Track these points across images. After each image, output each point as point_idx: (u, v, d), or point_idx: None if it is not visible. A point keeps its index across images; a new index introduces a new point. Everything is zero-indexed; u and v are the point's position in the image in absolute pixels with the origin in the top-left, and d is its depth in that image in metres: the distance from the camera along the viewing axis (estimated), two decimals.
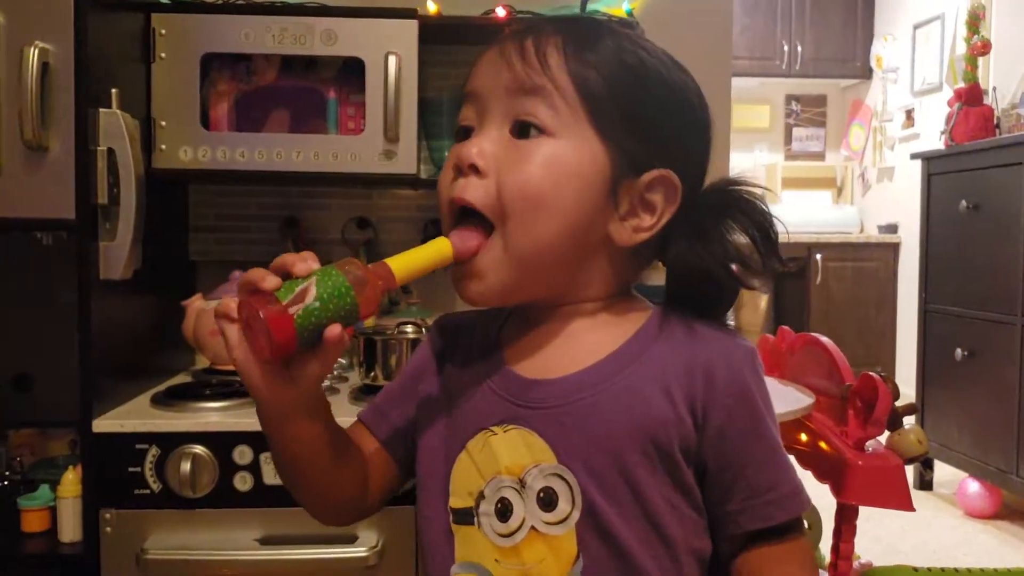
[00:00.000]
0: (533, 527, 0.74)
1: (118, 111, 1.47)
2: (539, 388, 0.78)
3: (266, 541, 1.49)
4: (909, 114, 5.30)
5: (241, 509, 1.48)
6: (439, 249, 0.74)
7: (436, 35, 1.79)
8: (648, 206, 0.77)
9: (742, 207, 0.78)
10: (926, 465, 1.62)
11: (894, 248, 5.38)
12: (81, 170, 1.43)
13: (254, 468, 1.48)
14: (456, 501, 0.78)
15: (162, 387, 1.70)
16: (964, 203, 3.37)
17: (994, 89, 3.68)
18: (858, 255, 5.41)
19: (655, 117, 0.77)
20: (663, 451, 0.73)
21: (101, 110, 1.46)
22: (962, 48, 3.97)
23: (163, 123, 1.68)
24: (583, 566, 0.73)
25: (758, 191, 0.79)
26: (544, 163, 0.74)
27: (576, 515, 0.73)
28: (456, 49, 1.97)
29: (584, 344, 0.79)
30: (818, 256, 5.35)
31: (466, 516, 0.77)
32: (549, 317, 0.80)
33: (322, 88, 1.76)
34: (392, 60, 1.67)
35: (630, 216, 0.77)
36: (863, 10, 5.77)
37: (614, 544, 0.73)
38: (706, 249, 0.77)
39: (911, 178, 4.67)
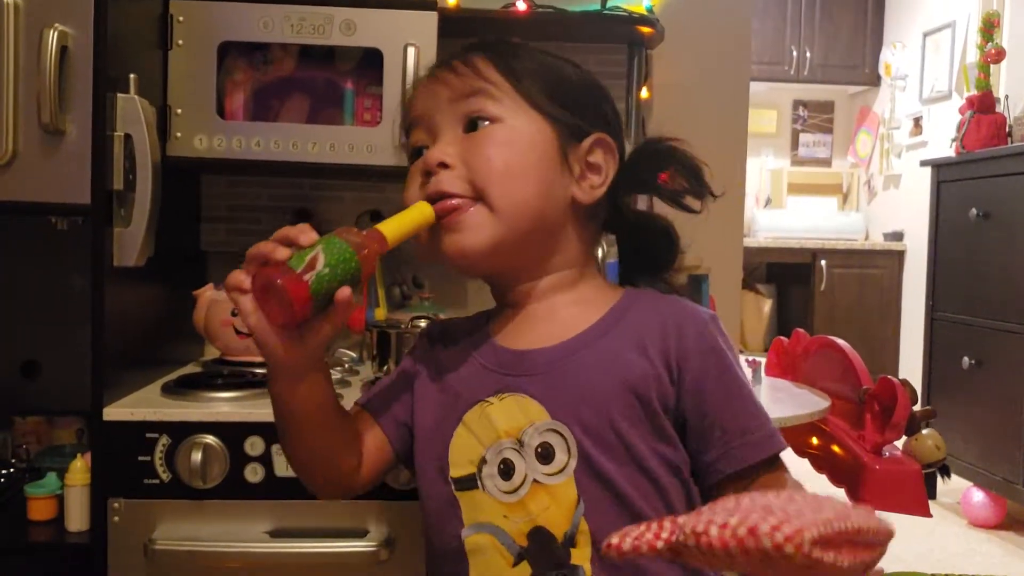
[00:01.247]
0: (535, 480, 0.82)
1: (136, 97, 1.46)
2: (529, 356, 0.87)
3: (276, 534, 1.47)
4: (917, 122, 5.29)
5: (251, 501, 1.46)
6: (421, 211, 0.82)
7: (455, 28, 1.77)
8: (594, 167, 0.90)
9: (669, 154, 0.91)
10: (943, 472, 1.61)
11: (899, 256, 5.37)
12: (97, 155, 1.41)
13: (265, 459, 1.46)
14: (456, 471, 0.86)
15: (172, 376, 1.68)
16: (974, 211, 3.36)
17: (1006, 97, 3.67)
18: (863, 262, 5.40)
19: (578, 93, 0.91)
20: (645, 403, 0.82)
21: (119, 95, 1.44)
22: (973, 56, 3.97)
23: (179, 111, 1.66)
24: (584, 509, 0.81)
25: (677, 140, 0.92)
26: (503, 141, 0.85)
27: (573, 464, 0.81)
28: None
29: (566, 318, 0.89)
30: (823, 262, 5.34)
31: (469, 482, 0.85)
32: (531, 294, 0.90)
33: (339, 79, 1.74)
34: (411, 52, 1.65)
35: (583, 178, 0.89)
36: (873, 17, 5.76)
37: (610, 487, 0.81)
38: (654, 193, 0.92)
39: (918, 186, 4.67)
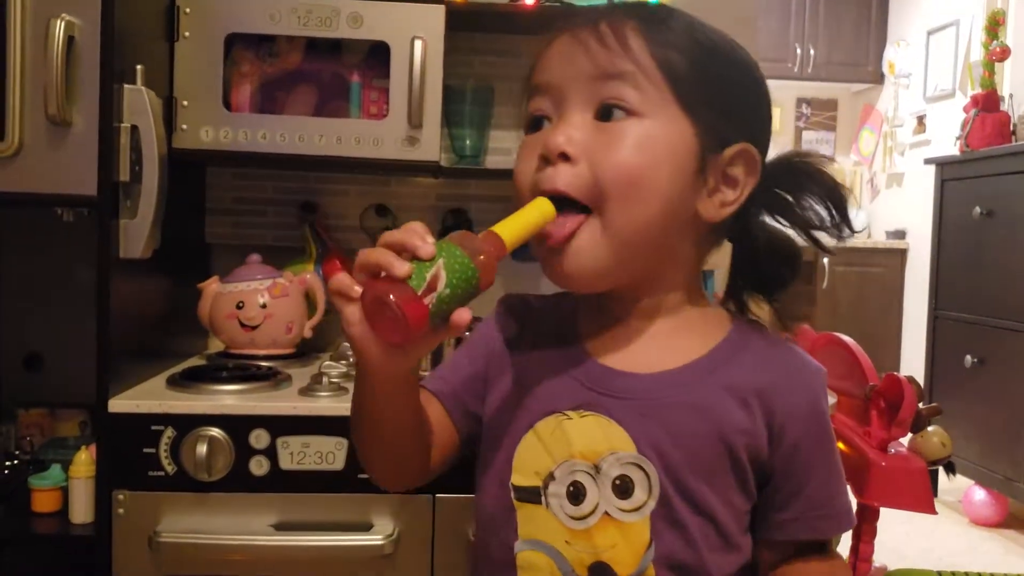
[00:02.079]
0: (607, 512, 0.76)
1: (143, 88, 1.45)
2: (624, 379, 0.79)
3: (280, 527, 1.47)
4: (920, 120, 5.29)
5: (256, 494, 1.46)
6: (541, 209, 0.73)
7: (462, 21, 1.77)
8: (730, 180, 0.79)
9: (815, 177, 0.81)
10: (949, 469, 1.61)
11: (902, 254, 5.36)
12: (104, 146, 1.40)
13: (270, 452, 1.46)
14: (520, 479, 0.79)
15: (178, 369, 1.68)
16: (978, 209, 3.35)
17: (1011, 96, 3.67)
18: (865, 260, 5.39)
19: (733, 92, 0.79)
20: (735, 456, 0.77)
21: (126, 86, 1.44)
22: (977, 54, 3.96)
23: (185, 103, 1.66)
24: (655, 554, 0.75)
25: (825, 162, 0.82)
26: (638, 144, 0.74)
27: (652, 504, 0.75)
28: (480, 36, 1.96)
29: (670, 346, 0.81)
30: (825, 260, 5.33)
31: (532, 495, 0.79)
32: (634, 313, 0.82)
33: (346, 72, 1.74)
34: (418, 45, 1.65)
35: (715, 192, 0.78)
36: (877, 15, 5.75)
37: (685, 536, 0.76)
38: (787, 219, 0.82)
39: (921, 184, 4.66)
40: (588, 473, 0.77)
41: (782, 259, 0.83)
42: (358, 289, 0.68)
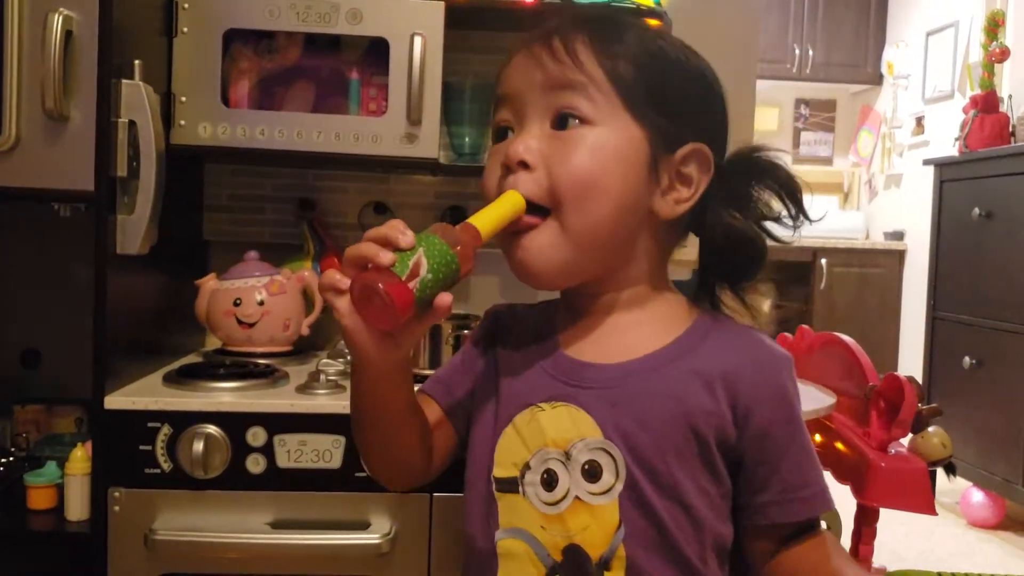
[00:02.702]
0: (577, 497, 0.80)
1: (141, 83, 1.44)
2: (592, 370, 0.84)
3: (277, 525, 1.46)
4: (919, 121, 5.28)
5: (253, 492, 1.45)
6: (512, 201, 0.79)
7: (461, 19, 1.76)
8: (685, 179, 0.84)
9: (768, 170, 0.85)
10: (949, 470, 1.61)
11: (899, 255, 5.36)
12: (101, 141, 1.39)
13: (267, 450, 1.45)
14: (500, 471, 0.84)
15: (174, 366, 1.67)
16: (977, 210, 3.35)
17: (1010, 97, 3.66)
18: (863, 261, 5.39)
19: (681, 97, 0.84)
20: (701, 439, 0.80)
21: (124, 81, 1.43)
22: (976, 56, 3.96)
23: (183, 98, 1.65)
24: (624, 534, 0.79)
25: (779, 154, 0.86)
26: (590, 149, 0.80)
27: (619, 487, 0.79)
28: (479, 34, 1.95)
29: (637, 336, 0.85)
30: (823, 261, 5.33)
31: (510, 485, 0.83)
32: (600, 307, 0.86)
33: (345, 68, 1.73)
34: (417, 41, 1.64)
35: (670, 190, 0.83)
36: (876, 16, 5.75)
37: (653, 517, 0.79)
38: (742, 213, 0.84)
39: (919, 185, 4.66)
40: (559, 460, 0.81)
41: (743, 250, 0.86)
42: (347, 282, 0.73)
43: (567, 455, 0.81)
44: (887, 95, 5.69)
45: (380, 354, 0.77)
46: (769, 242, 0.86)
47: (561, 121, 0.80)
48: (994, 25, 3.52)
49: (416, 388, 0.91)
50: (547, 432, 0.82)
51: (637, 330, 0.85)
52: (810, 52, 5.73)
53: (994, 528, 3.32)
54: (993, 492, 3.28)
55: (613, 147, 0.80)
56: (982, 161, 3.40)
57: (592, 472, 0.80)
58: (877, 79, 5.77)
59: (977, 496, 3.33)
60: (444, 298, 0.73)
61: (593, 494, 0.80)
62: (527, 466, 0.82)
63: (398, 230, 0.72)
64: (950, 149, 3.75)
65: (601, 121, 0.80)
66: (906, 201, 5.32)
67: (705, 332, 0.85)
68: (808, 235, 5.39)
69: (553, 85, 0.80)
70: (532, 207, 0.80)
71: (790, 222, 0.86)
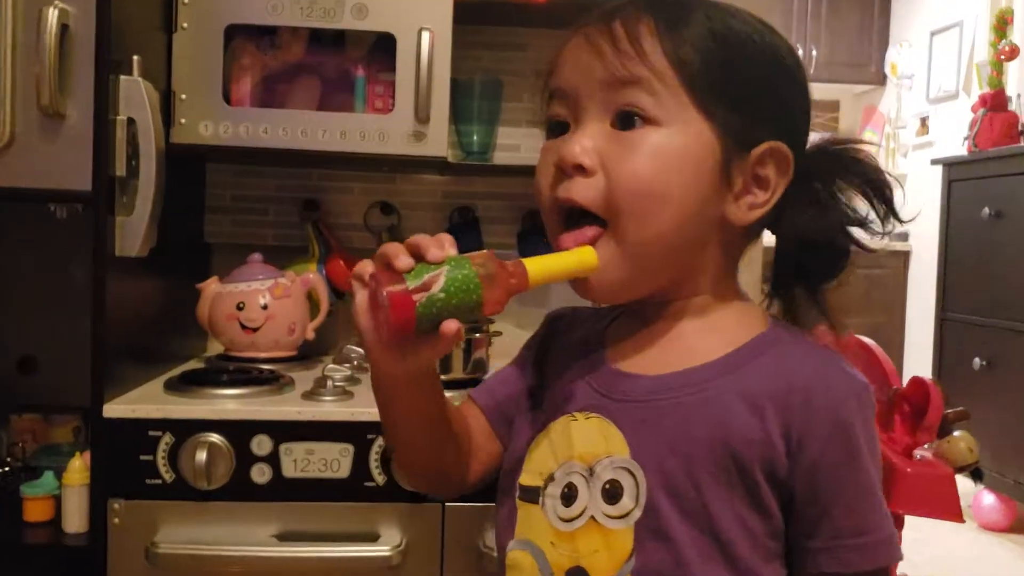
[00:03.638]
0: (593, 517, 0.73)
1: (140, 79, 1.40)
2: (627, 382, 0.77)
3: (283, 537, 1.41)
4: (924, 121, 5.25)
5: (258, 503, 1.40)
6: (583, 259, 0.73)
7: (469, 14, 1.71)
8: (761, 181, 0.75)
9: (852, 167, 0.77)
10: (976, 476, 1.56)
11: (904, 256, 5.32)
12: (99, 140, 1.35)
13: (273, 459, 1.40)
14: (527, 479, 0.79)
15: (176, 372, 1.62)
16: (986, 210, 3.31)
17: (1019, 96, 3.63)
18: (868, 262, 5.34)
19: (756, 88, 0.74)
20: (744, 468, 0.70)
21: (122, 77, 1.38)
22: (982, 55, 3.93)
23: (183, 96, 1.60)
24: (635, 566, 0.71)
25: (864, 148, 0.78)
26: (653, 153, 0.72)
27: (637, 513, 0.71)
28: (489, 30, 1.91)
29: (689, 346, 0.77)
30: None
31: (533, 494, 0.77)
32: (659, 315, 0.79)
33: (350, 65, 1.68)
34: (425, 36, 1.59)
35: (744, 194, 0.75)
36: (879, 16, 5.72)
37: (672, 550, 0.70)
38: (824, 216, 0.76)
39: (924, 186, 4.61)
40: (583, 475, 0.74)
41: (823, 252, 0.78)
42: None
43: (591, 471, 0.74)
44: (891, 95, 5.66)
45: (384, 361, 0.72)
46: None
47: (624, 120, 0.72)
48: (1003, 23, 3.49)
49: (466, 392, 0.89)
50: (575, 444, 0.76)
51: (691, 342, 0.77)
52: (813, 52, 5.70)
53: (1005, 531, 3.28)
54: (1005, 495, 3.23)
55: (680, 150, 0.72)
56: (992, 160, 3.37)
57: (612, 493, 0.73)
58: (881, 79, 5.74)
59: (988, 499, 3.29)
60: (449, 324, 0.67)
61: (609, 517, 0.73)
62: (551, 477, 0.76)
63: (435, 243, 0.68)
64: (955, 149, 3.72)
65: (666, 120, 0.72)
66: (911, 202, 5.20)
67: (765, 347, 0.75)
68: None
69: (614, 81, 0.72)
70: (590, 216, 0.73)
71: (878, 225, 0.77)
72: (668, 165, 0.72)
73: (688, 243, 0.75)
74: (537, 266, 0.71)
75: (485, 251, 0.71)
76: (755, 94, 0.74)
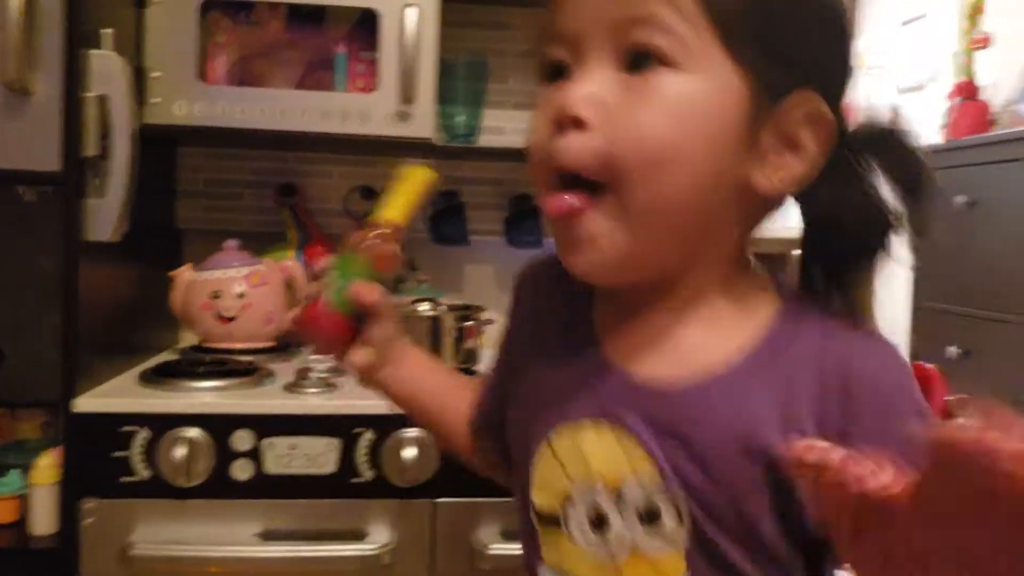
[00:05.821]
0: (635, 547, 0.64)
1: (112, 53, 1.32)
2: (646, 391, 0.65)
3: (267, 536, 1.36)
4: (895, 112, 5.27)
5: (240, 500, 1.35)
6: (415, 179, 0.78)
7: None
8: (791, 142, 0.62)
9: (897, 151, 0.66)
10: None
11: None
12: (69, 118, 1.28)
13: (254, 455, 1.34)
14: (540, 497, 0.69)
15: (150, 364, 1.55)
16: (960, 198, 3.31)
17: (991, 84, 3.64)
18: None
19: (797, 30, 0.61)
20: (780, 478, 0.61)
21: (92, 52, 1.31)
22: (954, 45, 3.93)
23: (156, 74, 1.52)
24: None
25: (911, 134, 0.67)
26: (668, 106, 0.59)
27: (683, 535, 0.63)
28: (476, 8, 1.85)
29: (703, 341, 0.65)
30: (796, 252, 5.29)
31: (552, 520, 0.67)
32: (654, 303, 0.66)
33: (331, 42, 1.62)
34: (410, 13, 1.53)
35: (775, 157, 0.62)
36: (848, 5, 5.72)
37: (730, 571, 0.63)
38: (844, 195, 0.64)
39: None
40: (610, 500, 0.65)
41: (859, 226, 0.66)
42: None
43: (619, 495, 0.64)
44: (861, 85, 5.67)
45: (358, 364, 0.77)
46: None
47: (635, 61, 0.59)
48: (976, 11, 3.49)
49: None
50: (593, 462, 0.66)
51: (702, 332, 0.66)
52: None
53: None
54: None
55: (702, 101, 0.59)
56: (965, 149, 3.37)
57: (650, 517, 0.64)
58: None
59: None
60: (358, 288, 0.73)
61: (652, 543, 0.64)
62: (570, 500, 0.66)
63: (323, 260, 0.76)
64: (927, 138, 3.72)
65: (688, 64, 0.59)
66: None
67: (788, 336, 0.65)
68: (783, 226, 5.36)
69: (626, 19, 0.59)
70: (579, 181, 0.60)
71: (896, 224, 0.66)
72: (685, 121, 0.59)
73: (703, 214, 0.62)
74: (390, 208, 0.77)
75: (352, 235, 0.77)
76: (796, 38, 0.62)
